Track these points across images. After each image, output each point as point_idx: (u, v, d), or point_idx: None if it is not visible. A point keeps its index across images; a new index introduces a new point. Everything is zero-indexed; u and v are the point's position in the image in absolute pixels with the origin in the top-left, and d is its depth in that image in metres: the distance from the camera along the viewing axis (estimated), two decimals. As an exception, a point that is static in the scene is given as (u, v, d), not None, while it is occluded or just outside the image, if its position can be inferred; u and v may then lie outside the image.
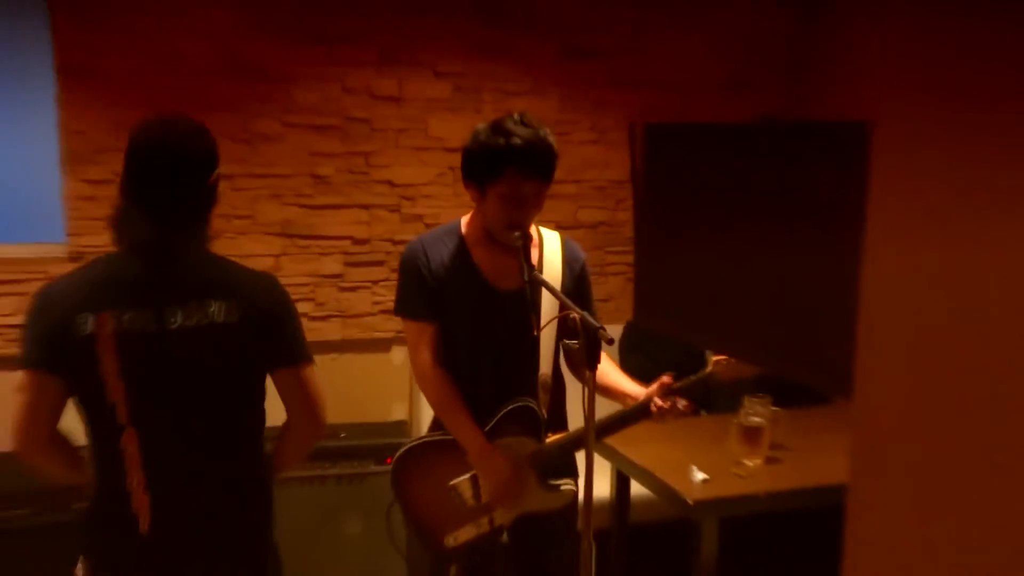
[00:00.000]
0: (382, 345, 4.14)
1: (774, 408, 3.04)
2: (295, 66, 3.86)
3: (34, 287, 3.68)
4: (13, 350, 3.67)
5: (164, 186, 2.07)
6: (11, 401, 2.02)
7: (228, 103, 3.79)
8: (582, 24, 4.19)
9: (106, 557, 2.13)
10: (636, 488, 3.29)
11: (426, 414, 3.93)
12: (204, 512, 2.14)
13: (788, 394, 3.28)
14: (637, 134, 3.96)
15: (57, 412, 2.05)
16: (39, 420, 2.03)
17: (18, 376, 2.02)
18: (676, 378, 2.47)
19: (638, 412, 2.46)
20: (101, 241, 3.69)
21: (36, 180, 3.75)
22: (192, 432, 2.11)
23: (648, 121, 4.23)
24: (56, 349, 2.00)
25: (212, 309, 2.09)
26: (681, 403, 2.45)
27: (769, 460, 3.03)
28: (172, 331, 2.05)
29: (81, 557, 2.13)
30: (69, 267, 3.65)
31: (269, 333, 2.15)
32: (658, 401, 2.43)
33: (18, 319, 3.66)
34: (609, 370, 2.57)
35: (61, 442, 2.09)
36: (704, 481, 2.88)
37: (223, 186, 3.92)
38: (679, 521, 3.00)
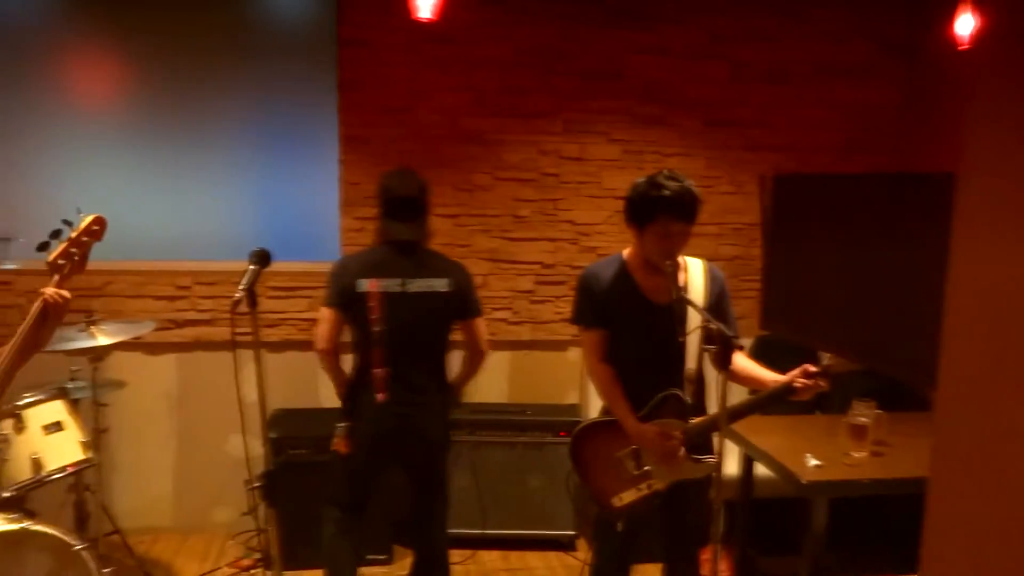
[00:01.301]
0: (561, 345, 4.21)
1: (878, 411, 2.90)
2: (504, 135, 4.02)
3: (317, 292, 4.04)
4: (305, 336, 4.05)
5: (408, 207, 2.83)
6: (318, 326, 2.80)
7: (455, 162, 3.99)
8: (723, 100, 4.15)
9: (357, 416, 2.83)
10: (759, 469, 3.21)
11: (594, 399, 3.98)
12: (413, 396, 2.82)
13: (893, 399, 3.11)
14: (767, 182, 3.87)
15: (340, 333, 2.81)
16: (333, 336, 2.78)
17: (323, 311, 2.80)
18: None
19: (784, 390, 2.39)
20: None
21: (322, 217, 3.99)
22: (412, 349, 2.81)
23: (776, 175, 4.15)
24: (346, 297, 2.76)
25: (434, 282, 2.82)
26: (821, 383, 2.35)
27: (873, 453, 2.88)
28: (410, 292, 2.78)
29: (343, 422, 2.84)
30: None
31: (464, 298, 2.88)
32: (801, 380, 2.36)
33: (309, 314, 4.02)
34: (751, 365, 2.54)
35: (338, 354, 2.84)
36: (816, 466, 2.77)
37: (449, 223, 4.19)
38: (794, 499, 2.90)
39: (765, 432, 3.09)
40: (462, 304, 2.89)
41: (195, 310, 3.89)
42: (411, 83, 3.91)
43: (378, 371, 2.76)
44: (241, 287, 2.24)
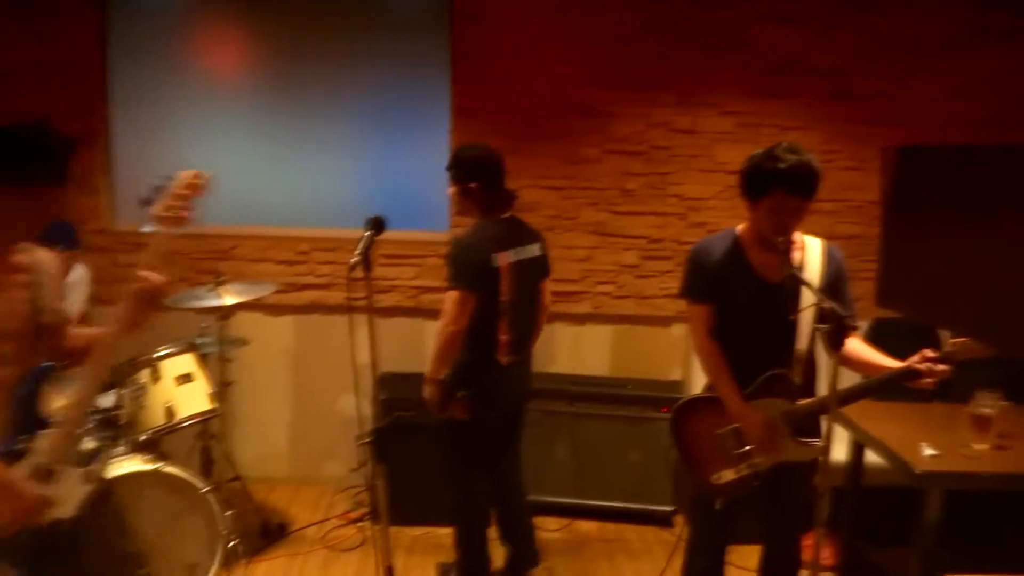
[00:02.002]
0: (665, 321, 4.17)
1: (1004, 402, 2.73)
2: (614, 107, 3.99)
3: (428, 260, 4.17)
4: (414, 303, 4.18)
5: (502, 181, 2.95)
6: (449, 309, 2.82)
7: (563, 134, 4.00)
8: (849, 71, 3.96)
9: (481, 379, 2.95)
10: (870, 456, 3.10)
11: (696, 377, 3.93)
12: (523, 356, 3.09)
13: (1022, 391, 2.93)
14: (890, 154, 3.71)
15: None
16: (469, 315, 2.83)
17: (458, 293, 2.80)
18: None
19: (901, 375, 2.30)
20: (473, 230, 4.06)
21: (431, 187, 4.05)
22: (522, 312, 2.98)
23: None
24: (483, 275, 2.84)
25: (533, 247, 3.01)
26: (940, 368, 2.25)
27: (996, 447, 2.73)
28: (521, 260, 2.94)
29: (461, 391, 2.93)
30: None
31: (547, 260, 3.11)
32: (920, 366, 2.27)
33: (417, 282, 4.15)
34: (865, 349, 2.46)
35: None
36: (932, 456, 2.66)
37: (556, 195, 4.19)
38: (906, 489, 2.78)
39: (878, 418, 2.98)
40: (546, 266, 3.11)
41: (313, 275, 4.09)
42: (523, 54, 3.93)
43: (504, 337, 2.92)
44: (357, 252, 2.34)
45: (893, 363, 2.37)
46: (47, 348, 1.98)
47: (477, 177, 2.90)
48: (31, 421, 1.93)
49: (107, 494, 2.05)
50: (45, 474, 1.88)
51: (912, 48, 3.94)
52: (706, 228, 4.02)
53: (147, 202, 2.03)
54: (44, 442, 1.89)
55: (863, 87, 3.98)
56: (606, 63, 3.94)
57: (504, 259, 2.87)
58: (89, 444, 2.06)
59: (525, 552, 3.27)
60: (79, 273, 3.27)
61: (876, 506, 3.37)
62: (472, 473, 3.07)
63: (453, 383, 2.94)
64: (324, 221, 4.10)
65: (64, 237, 3.00)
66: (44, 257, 1.99)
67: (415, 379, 3.92)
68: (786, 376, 2.44)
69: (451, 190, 2.98)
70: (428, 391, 2.96)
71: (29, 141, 1.78)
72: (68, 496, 1.93)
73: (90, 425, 2.95)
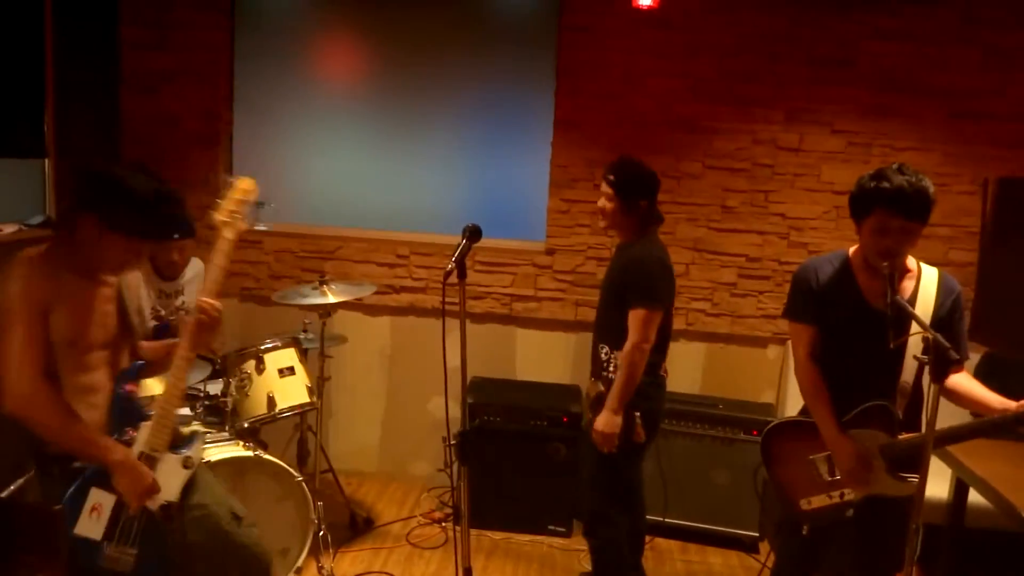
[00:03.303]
0: (760, 342, 4.10)
1: None
2: (718, 122, 3.96)
3: (522, 269, 4.23)
4: (507, 311, 4.23)
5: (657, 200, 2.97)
6: (639, 328, 2.78)
7: (665, 148, 3.99)
8: (972, 90, 3.79)
9: (654, 397, 2.94)
10: (973, 496, 2.95)
11: (790, 401, 3.84)
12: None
13: None
14: (990, 184, 3.55)
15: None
16: (655, 332, 2.83)
17: (652, 314, 2.78)
18: None
19: (1019, 418, 2.18)
20: (569, 241, 4.15)
21: (530, 197, 4.16)
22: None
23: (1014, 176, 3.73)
24: (669, 290, 2.91)
25: None
26: None
27: (1117, 497, 2.54)
28: None
29: (636, 412, 2.86)
30: (546, 259, 4.13)
31: None
32: None
33: (511, 290, 4.21)
34: (973, 385, 2.35)
35: None
36: (1044, 502, 2.50)
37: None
38: (1011, 534, 2.64)
39: (985, 457, 2.84)
40: None
41: (411, 278, 4.23)
42: (627, 68, 3.95)
43: (665, 358, 2.97)
44: (453, 259, 2.41)
45: (1002, 401, 2.26)
46: (131, 352, 2.21)
47: (646, 195, 2.90)
48: (132, 415, 2.13)
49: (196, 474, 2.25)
50: (148, 461, 2.09)
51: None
52: (808, 249, 3.93)
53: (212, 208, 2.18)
54: (143, 434, 2.11)
55: (984, 107, 3.80)
56: (711, 78, 3.92)
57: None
58: (184, 431, 2.26)
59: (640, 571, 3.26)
60: (197, 268, 3.49)
61: (977, 548, 3.20)
62: (625, 498, 3.04)
63: (631, 405, 2.86)
64: (424, 226, 4.24)
65: (183, 229, 3.24)
66: (129, 274, 2.22)
67: (503, 385, 4.04)
68: (887, 408, 2.37)
69: (609, 203, 2.91)
70: (610, 422, 2.82)
71: (155, 205, 1.99)
72: (170, 481, 2.13)
73: (188, 413, 3.14)
